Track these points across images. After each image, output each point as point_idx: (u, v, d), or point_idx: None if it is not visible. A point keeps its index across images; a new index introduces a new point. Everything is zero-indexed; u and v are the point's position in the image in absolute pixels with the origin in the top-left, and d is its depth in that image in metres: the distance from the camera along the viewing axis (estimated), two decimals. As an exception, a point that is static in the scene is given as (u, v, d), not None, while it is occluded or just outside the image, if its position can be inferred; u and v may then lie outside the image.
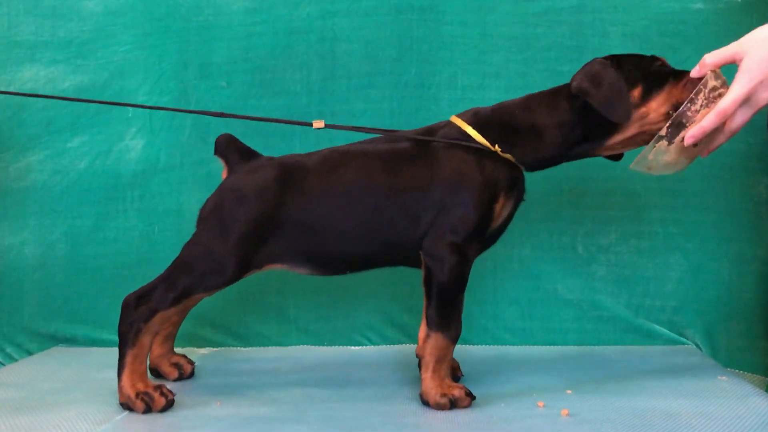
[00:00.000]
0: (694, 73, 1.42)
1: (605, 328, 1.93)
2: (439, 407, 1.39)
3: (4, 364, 1.94)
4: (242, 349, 1.97)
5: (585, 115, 1.45)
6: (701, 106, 1.37)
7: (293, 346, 1.97)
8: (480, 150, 1.46)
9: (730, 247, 1.91)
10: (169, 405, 1.42)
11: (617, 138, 1.47)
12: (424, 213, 1.45)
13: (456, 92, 1.94)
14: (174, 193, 1.99)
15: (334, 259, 1.51)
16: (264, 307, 1.99)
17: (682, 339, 1.92)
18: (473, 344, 1.93)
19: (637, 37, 1.89)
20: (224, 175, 1.57)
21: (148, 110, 1.95)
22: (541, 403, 1.41)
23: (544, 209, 1.93)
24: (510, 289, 1.96)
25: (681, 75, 1.45)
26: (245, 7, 1.96)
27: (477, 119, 1.50)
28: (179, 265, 1.48)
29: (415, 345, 1.60)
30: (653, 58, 1.48)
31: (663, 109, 1.43)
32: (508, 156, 1.47)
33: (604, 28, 1.91)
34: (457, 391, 1.41)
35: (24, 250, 2.01)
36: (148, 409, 1.40)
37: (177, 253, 1.50)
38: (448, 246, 1.42)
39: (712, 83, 1.38)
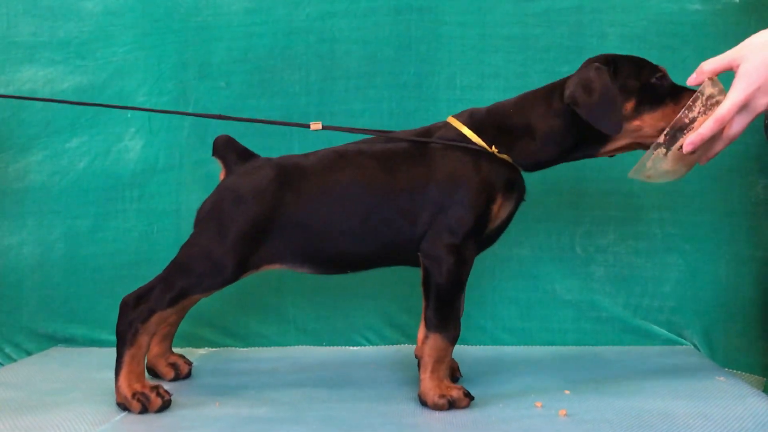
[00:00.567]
0: (692, 80, 1.41)
1: (603, 328, 1.94)
2: (438, 408, 1.40)
3: (3, 365, 1.94)
4: (241, 349, 1.97)
5: (578, 122, 1.43)
6: (699, 113, 1.37)
7: (292, 347, 1.97)
8: (477, 151, 1.46)
9: (728, 247, 1.92)
10: (165, 406, 1.42)
11: (611, 146, 1.47)
12: (422, 212, 1.45)
13: (455, 93, 1.94)
14: (173, 193, 1.99)
15: (333, 259, 1.51)
16: (263, 307, 1.99)
17: (680, 339, 1.92)
18: (472, 344, 1.93)
19: (635, 38, 1.89)
20: (222, 176, 1.57)
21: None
22: (539, 404, 1.41)
23: (543, 210, 1.93)
24: (508, 290, 1.96)
25: (680, 94, 1.42)
26: (244, 8, 1.97)
27: (473, 120, 1.50)
28: (177, 266, 1.48)
29: (414, 345, 1.60)
30: (654, 68, 1.45)
31: (658, 125, 1.41)
32: (505, 157, 1.47)
33: (602, 28, 1.91)
34: (456, 392, 1.41)
35: (23, 251, 2.01)
36: (144, 410, 1.40)
37: (176, 254, 1.50)
38: (445, 247, 1.42)
39: (709, 90, 1.37)
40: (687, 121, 1.37)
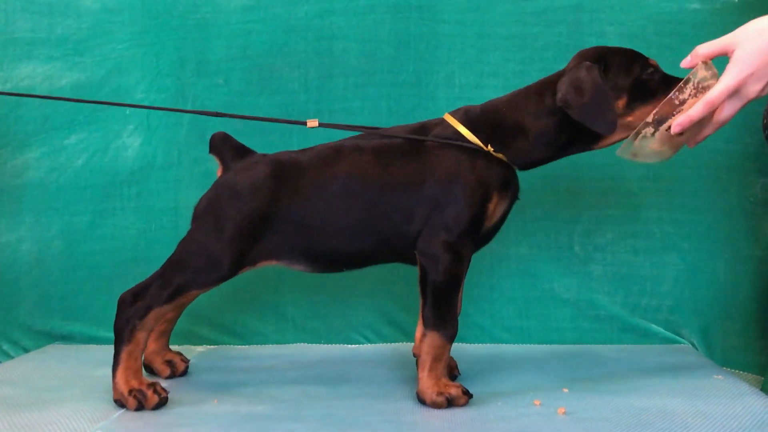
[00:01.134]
0: (686, 62, 1.41)
1: (602, 327, 1.94)
2: (436, 406, 1.40)
3: (0, 362, 1.93)
4: (239, 346, 1.97)
5: (571, 120, 1.42)
6: (689, 95, 1.36)
7: (290, 344, 1.97)
8: (473, 149, 1.46)
9: (726, 246, 1.92)
10: (162, 403, 1.42)
11: (604, 142, 1.47)
12: (418, 209, 1.45)
13: (453, 91, 1.94)
14: (171, 190, 1.99)
15: (329, 255, 1.51)
16: (261, 305, 1.99)
17: (678, 338, 1.92)
18: (470, 343, 1.93)
19: (634, 37, 1.89)
20: (219, 172, 1.57)
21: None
22: (537, 402, 1.42)
23: (541, 208, 1.93)
24: (507, 288, 1.96)
25: (672, 86, 1.40)
26: (243, 5, 1.96)
27: (468, 118, 1.50)
28: (174, 262, 1.48)
29: (412, 343, 1.60)
30: (645, 63, 1.45)
31: (650, 119, 1.40)
32: (500, 155, 1.47)
33: (601, 27, 1.91)
34: (454, 390, 1.41)
35: (20, 248, 2.00)
36: (140, 407, 1.40)
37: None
38: (442, 245, 1.42)
39: (702, 74, 1.37)
40: (677, 102, 1.37)
